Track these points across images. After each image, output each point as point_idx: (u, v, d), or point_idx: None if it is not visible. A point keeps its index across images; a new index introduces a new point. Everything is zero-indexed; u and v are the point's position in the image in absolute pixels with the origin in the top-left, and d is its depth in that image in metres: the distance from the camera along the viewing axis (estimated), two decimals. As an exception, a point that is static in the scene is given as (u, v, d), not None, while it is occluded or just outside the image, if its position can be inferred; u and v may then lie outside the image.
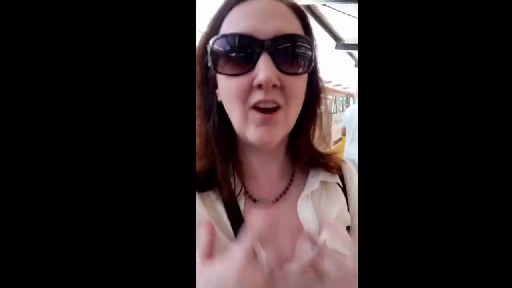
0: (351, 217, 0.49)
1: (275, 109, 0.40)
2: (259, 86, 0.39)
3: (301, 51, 0.41)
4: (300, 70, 0.41)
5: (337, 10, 4.07)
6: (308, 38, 0.43)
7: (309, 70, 0.43)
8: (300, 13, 0.44)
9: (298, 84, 0.42)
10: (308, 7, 3.99)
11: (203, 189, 0.44)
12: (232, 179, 0.45)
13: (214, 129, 0.44)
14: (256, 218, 0.36)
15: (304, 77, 0.44)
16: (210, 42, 0.41)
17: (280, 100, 0.40)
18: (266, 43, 0.38)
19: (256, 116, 0.40)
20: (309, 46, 0.42)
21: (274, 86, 0.39)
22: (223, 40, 0.40)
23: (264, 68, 0.38)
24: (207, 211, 0.43)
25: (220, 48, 0.40)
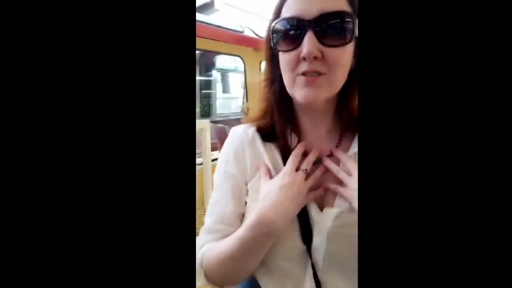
0: None
1: (318, 75, 0.48)
2: (304, 58, 0.47)
3: (342, 25, 0.47)
4: (340, 42, 0.48)
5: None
6: (349, 12, 0.48)
7: (350, 42, 0.48)
8: None
9: (341, 54, 0.48)
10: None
11: (266, 140, 0.58)
12: (288, 136, 0.57)
13: (275, 95, 0.56)
14: (298, 148, 0.55)
15: (348, 47, 0.49)
16: (272, 25, 0.51)
17: (322, 69, 0.48)
18: (310, 22, 0.46)
19: (301, 79, 0.49)
20: (350, 20, 0.47)
21: (316, 57, 0.47)
22: (279, 23, 0.50)
23: (307, 44, 0.46)
24: (268, 157, 0.57)
25: (278, 29, 0.50)
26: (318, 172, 0.55)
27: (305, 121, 0.57)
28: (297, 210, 0.52)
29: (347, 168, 0.53)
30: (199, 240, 0.59)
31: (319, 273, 0.53)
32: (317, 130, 0.57)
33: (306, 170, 0.53)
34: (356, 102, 0.54)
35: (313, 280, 0.53)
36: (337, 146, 0.57)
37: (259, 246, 0.51)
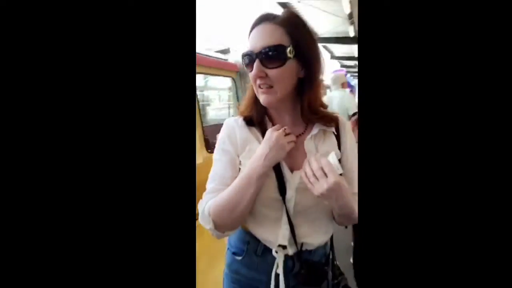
0: (343, 157, 0.82)
1: (269, 87, 0.73)
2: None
3: (277, 54, 0.71)
4: (277, 65, 0.71)
5: (311, 5, 4.32)
6: (283, 44, 0.71)
7: (284, 64, 0.71)
8: (287, 26, 0.72)
9: (279, 72, 0.72)
10: (285, 5, 4.23)
11: (250, 125, 0.82)
12: (265, 122, 0.81)
13: (254, 97, 0.80)
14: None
15: (286, 67, 0.72)
16: (242, 54, 0.75)
17: (269, 83, 0.73)
18: (257, 53, 0.71)
19: (260, 90, 0.74)
20: (284, 49, 0.71)
21: (261, 77, 0.72)
22: (244, 53, 0.74)
23: (254, 68, 0.72)
24: (253, 136, 0.80)
25: (243, 58, 0.75)
26: (293, 136, 0.76)
27: (273, 114, 0.83)
28: (279, 156, 0.73)
29: (309, 148, 0.79)
30: (204, 199, 0.77)
31: (291, 217, 0.77)
32: (283, 120, 0.82)
33: (285, 129, 0.75)
34: (311, 101, 0.78)
35: (287, 222, 0.77)
36: (303, 132, 0.82)
37: (251, 188, 0.72)
